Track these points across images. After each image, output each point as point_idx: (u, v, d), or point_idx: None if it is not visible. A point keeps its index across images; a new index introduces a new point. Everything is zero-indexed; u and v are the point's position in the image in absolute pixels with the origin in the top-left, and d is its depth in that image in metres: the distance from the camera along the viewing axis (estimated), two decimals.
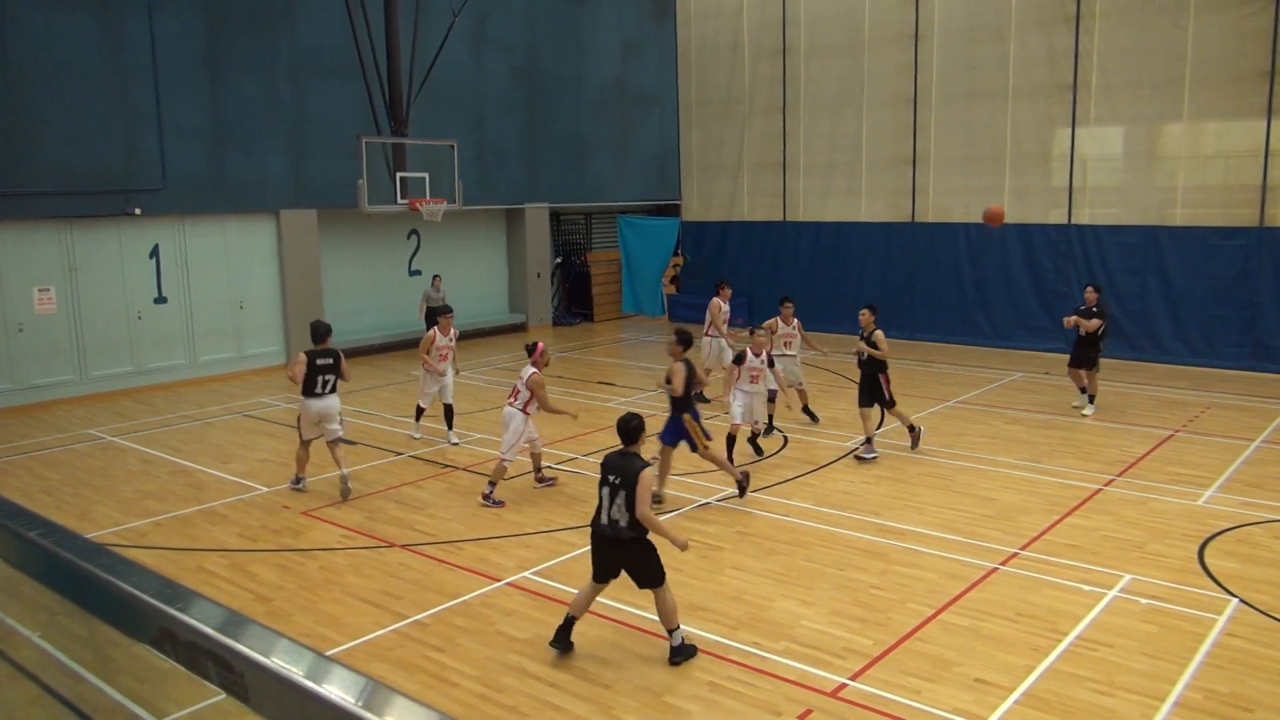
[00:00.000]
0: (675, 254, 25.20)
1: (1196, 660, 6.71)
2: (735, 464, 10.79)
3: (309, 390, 10.62)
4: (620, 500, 6.65)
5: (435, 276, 19.09)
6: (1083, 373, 13.95)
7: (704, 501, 10.35)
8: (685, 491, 10.70)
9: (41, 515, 1.72)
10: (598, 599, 7.13)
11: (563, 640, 6.92)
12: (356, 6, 17.46)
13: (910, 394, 15.54)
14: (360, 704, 1.15)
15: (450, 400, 13.05)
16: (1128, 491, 10.50)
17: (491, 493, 10.42)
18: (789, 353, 13.49)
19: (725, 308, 14.89)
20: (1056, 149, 18.81)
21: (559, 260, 25.43)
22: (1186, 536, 9.11)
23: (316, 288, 19.29)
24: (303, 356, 10.64)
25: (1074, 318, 13.73)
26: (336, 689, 1.18)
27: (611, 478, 6.73)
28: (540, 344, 10.66)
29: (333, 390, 10.72)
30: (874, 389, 11.96)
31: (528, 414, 10.38)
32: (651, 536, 6.80)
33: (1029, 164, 19.12)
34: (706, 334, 14.88)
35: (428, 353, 12.84)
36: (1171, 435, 12.84)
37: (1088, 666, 6.65)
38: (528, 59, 23.32)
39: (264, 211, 18.62)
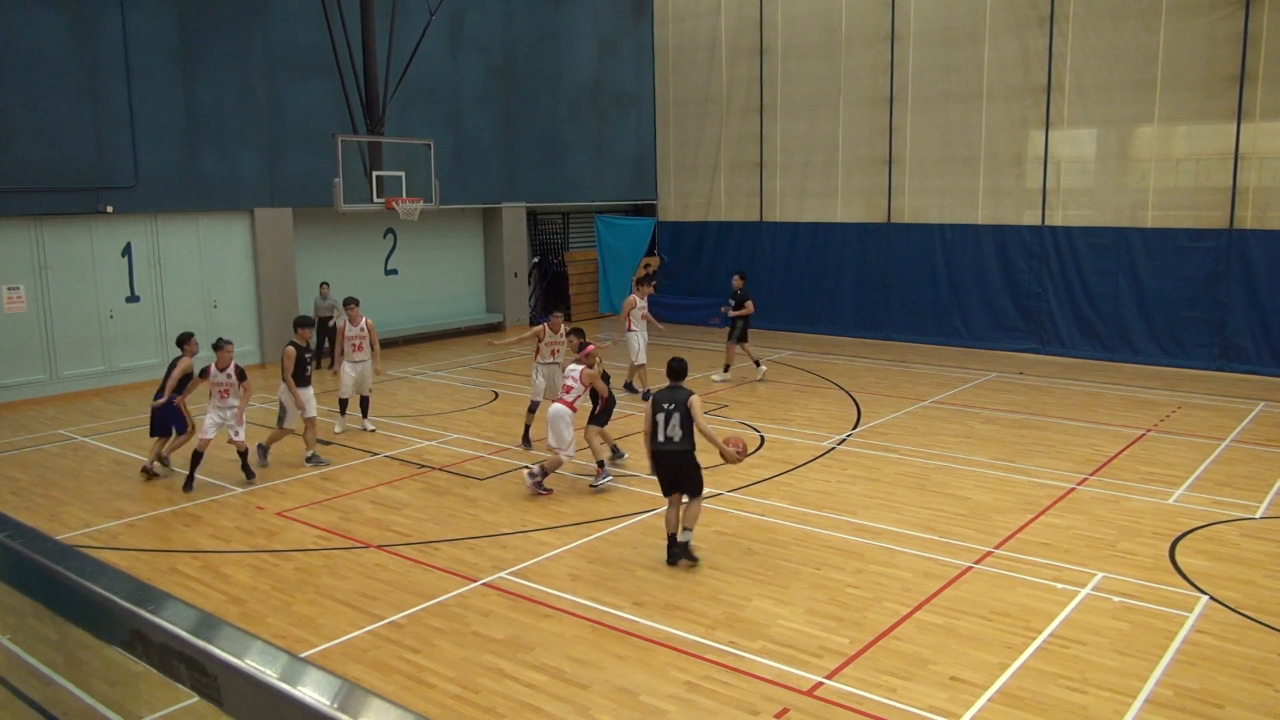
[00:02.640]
0: (651, 253, 25.20)
1: (1167, 657, 6.79)
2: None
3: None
4: (675, 420, 8.40)
5: (323, 284, 18.81)
6: (737, 347, 16.51)
7: None
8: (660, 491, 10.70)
9: (10, 516, 1.70)
10: (583, 598, 7.12)
11: (675, 556, 8.48)
12: (332, 4, 17.34)
13: (887, 394, 15.64)
14: (335, 706, 1.14)
15: (367, 392, 13.60)
16: (1100, 490, 10.60)
17: (542, 478, 10.62)
18: (638, 331, 15.34)
19: (641, 304, 15.62)
20: (1030, 151, 18.98)
21: (536, 260, 25.38)
22: (1158, 535, 9.22)
23: (291, 287, 19.15)
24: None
25: (726, 309, 16.65)
26: (311, 691, 1.18)
27: (666, 405, 8.46)
28: (590, 345, 11.27)
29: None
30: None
31: (575, 412, 10.78)
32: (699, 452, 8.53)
33: (1003, 166, 19.29)
34: (628, 329, 15.42)
35: (341, 349, 13.43)
36: (1143, 435, 12.99)
37: (1061, 664, 6.72)
38: (505, 58, 23.26)
39: (238, 210, 18.46)
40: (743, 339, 16.58)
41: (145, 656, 1.37)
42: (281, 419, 12.03)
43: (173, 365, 11.73)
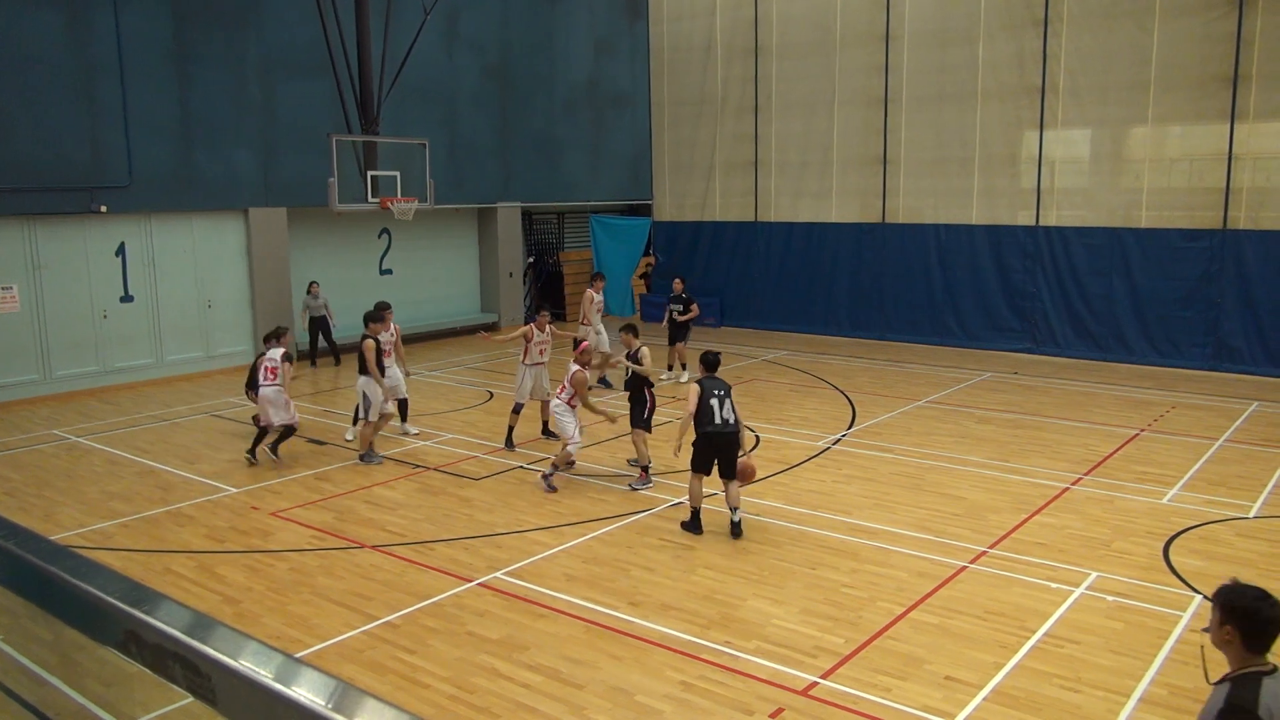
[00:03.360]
0: (646, 254, 25.23)
1: (1161, 656, 6.81)
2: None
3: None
4: (728, 405, 9.18)
5: (312, 283, 18.69)
6: (680, 348, 16.72)
7: (677, 501, 10.36)
8: (657, 491, 10.72)
9: (4, 517, 1.70)
10: (578, 598, 7.11)
11: (698, 526, 9.30)
12: (327, 3, 17.29)
13: (881, 394, 15.66)
14: (330, 706, 1.14)
15: (404, 394, 13.36)
16: (1094, 490, 10.63)
17: (552, 475, 10.71)
18: (594, 326, 15.73)
19: (598, 299, 16.15)
20: (1025, 151, 19.01)
21: (531, 260, 25.38)
22: (1152, 534, 9.24)
23: (286, 287, 19.13)
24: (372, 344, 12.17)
25: (672, 311, 16.72)
26: (306, 691, 1.17)
27: (717, 391, 9.23)
28: (585, 342, 11.43)
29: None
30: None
31: (574, 408, 10.78)
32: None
33: (998, 166, 19.31)
34: (581, 324, 15.91)
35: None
36: (1137, 434, 13.02)
37: (1055, 663, 6.73)
38: (500, 57, 23.25)
39: (233, 209, 18.43)
40: (681, 340, 16.86)
41: (139, 657, 1.36)
42: (366, 412, 12.00)
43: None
